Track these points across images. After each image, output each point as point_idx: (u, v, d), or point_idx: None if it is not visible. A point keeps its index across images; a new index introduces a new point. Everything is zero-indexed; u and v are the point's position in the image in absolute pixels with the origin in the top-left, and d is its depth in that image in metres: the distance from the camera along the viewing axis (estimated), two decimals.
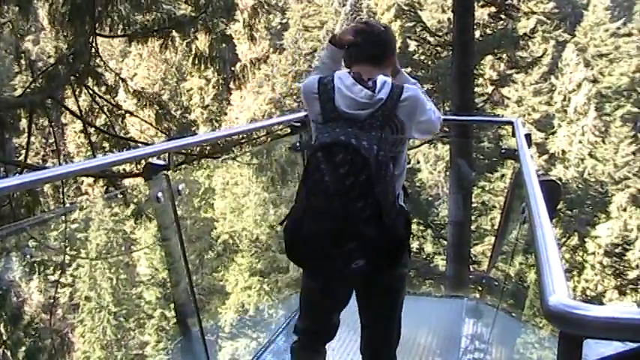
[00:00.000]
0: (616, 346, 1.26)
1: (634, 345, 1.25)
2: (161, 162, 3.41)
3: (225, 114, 42.29)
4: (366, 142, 2.46)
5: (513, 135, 4.62)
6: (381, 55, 2.85)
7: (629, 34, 43.00)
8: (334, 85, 2.67)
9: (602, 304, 28.82)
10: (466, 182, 11.17)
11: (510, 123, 5.15)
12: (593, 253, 30.62)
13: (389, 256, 2.61)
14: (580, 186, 34.46)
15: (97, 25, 9.09)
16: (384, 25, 3.01)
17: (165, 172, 3.37)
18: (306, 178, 2.57)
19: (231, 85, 12.57)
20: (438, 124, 2.89)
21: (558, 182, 4.36)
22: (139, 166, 7.22)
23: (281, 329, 5.09)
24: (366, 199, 2.44)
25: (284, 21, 50.27)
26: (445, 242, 13.33)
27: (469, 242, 12.96)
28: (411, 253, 2.93)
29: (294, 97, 41.09)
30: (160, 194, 3.35)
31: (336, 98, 2.64)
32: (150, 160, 3.47)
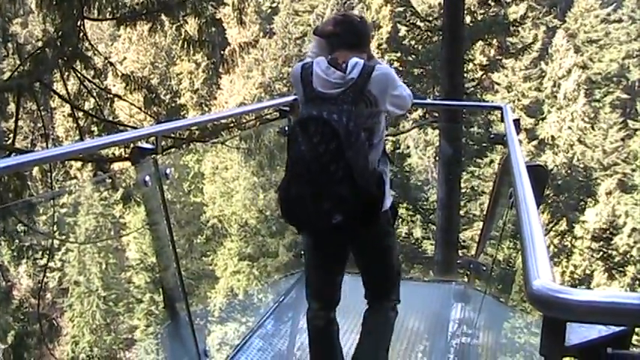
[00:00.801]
0: (599, 330, 1.27)
1: (617, 328, 1.25)
2: (149, 146, 3.40)
3: (215, 98, 42.15)
4: (336, 115, 2.89)
5: (502, 120, 4.63)
6: (358, 42, 3.24)
7: (619, 21, 43.05)
8: (312, 70, 3.10)
9: (589, 288, 29.05)
10: (446, 158, 11.18)
11: (499, 108, 5.15)
12: (581, 238, 30.77)
13: (364, 211, 2.97)
14: (569, 171, 34.59)
15: (84, 8, 9.02)
16: (360, 17, 3.45)
17: (152, 155, 3.36)
18: (289, 149, 3.01)
19: (221, 70, 12.52)
20: (409, 100, 3.28)
21: (545, 167, 4.38)
22: (127, 150, 7.19)
23: (269, 313, 5.09)
24: (337, 163, 2.85)
25: (274, 5, 50.09)
26: (434, 227, 13.36)
27: (458, 227, 12.99)
28: (397, 214, 3.53)
29: (284, 81, 40.97)
30: (147, 178, 3.34)
31: (313, 81, 3.07)
32: (137, 143, 3.47)
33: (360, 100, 2.98)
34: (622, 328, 1.25)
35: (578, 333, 1.27)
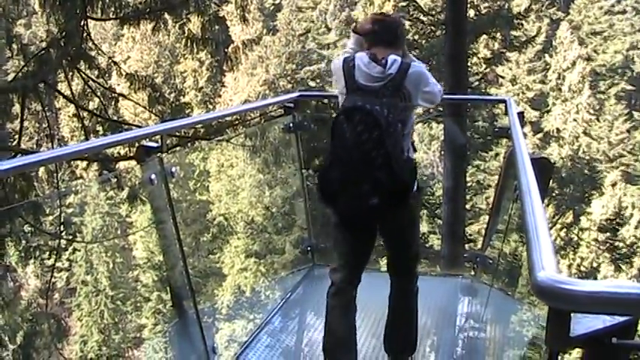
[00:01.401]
0: (604, 320, 1.28)
1: (621, 318, 1.26)
2: (154, 144, 3.42)
3: (220, 96, 42.13)
4: (378, 107, 3.20)
5: (506, 113, 4.63)
6: (394, 40, 3.51)
7: (623, 12, 42.92)
8: (355, 64, 3.39)
9: (596, 280, 29.03)
10: (458, 147, 11.16)
11: (503, 101, 5.15)
12: (588, 230, 30.73)
13: (396, 196, 3.28)
14: (575, 164, 34.53)
15: (88, 7, 9.02)
16: (396, 17, 3.83)
17: (158, 154, 3.37)
18: (332, 135, 3.32)
19: (225, 67, 12.53)
20: (439, 96, 3.62)
21: (550, 160, 4.39)
22: (132, 149, 7.20)
23: (277, 310, 5.10)
24: (378, 150, 3.17)
25: (277, 2, 50.02)
26: (440, 221, 13.35)
27: (464, 221, 12.98)
28: (420, 192, 3.85)
29: (288, 78, 40.96)
30: (153, 176, 3.35)
31: (356, 74, 3.37)
32: (142, 142, 3.48)
33: (397, 94, 3.30)
34: (627, 318, 1.26)
35: (583, 323, 1.27)
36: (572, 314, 1.27)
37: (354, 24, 3.88)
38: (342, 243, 3.73)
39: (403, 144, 3.35)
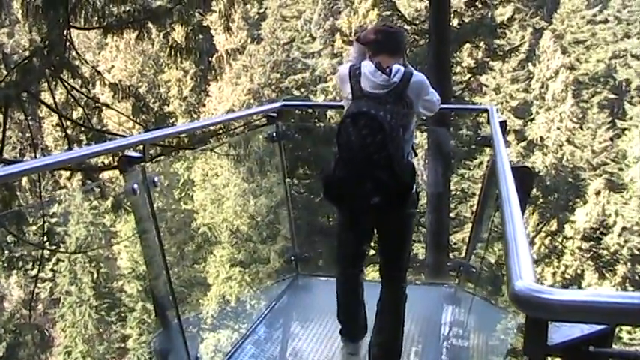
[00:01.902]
0: (582, 328, 1.29)
1: (598, 327, 1.27)
2: (136, 154, 3.41)
3: (204, 105, 42.08)
4: (382, 113, 3.45)
5: (489, 122, 4.66)
6: (397, 50, 3.77)
7: (605, 21, 43.23)
8: (361, 71, 3.61)
9: (580, 288, 29.11)
10: (444, 154, 11.18)
11: (486, 110, 5.18)
12: (572, 238, 30.87)
13: (397, 196, 3.56)
14: (558, 172, 34.70)
15: (71, 17, 8.99)
16: (397, 27, 4.23)
17: (140, 164, 3.37)
18: (338, 138, 3.56)
19: (209, 76, 12.52)
20: (438, 105, 3.94)
21: (531, 169, 4.43)
22: (116, 159, 7.19)
23: (261, 319, 5.09)
24: (380, 153, 3.41)
25: (261, 11, 50.02)
26: (424, 230, 13.38)
27: (448, 230, 13.02)
28: (419, 198, 4.10)
29: (273, 87, 40.97)
30: (135, 186, 3.35)
31: (362, 81, 3.59)
32: (126, 152, 3.47)
33: (399, 102, 3.54)
34: (604, 326, 1.27)
35: (561, 332, 1.28)
36: (549, 323, 1.28)
37: (358, 34, 4.13)
38: (345, 242, 4.08)
39: (404, 148, 3.59)
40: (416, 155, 3.91)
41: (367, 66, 3.62)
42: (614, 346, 1.31)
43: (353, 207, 3.76)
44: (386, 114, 3.46)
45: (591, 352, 1.27)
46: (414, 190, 3.71)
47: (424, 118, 4.46)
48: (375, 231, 3.99)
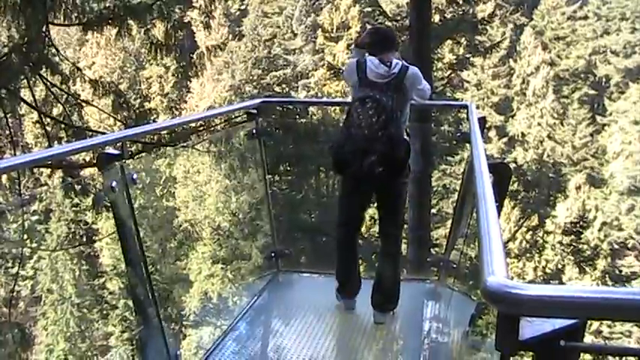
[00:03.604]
0: (553, 323, 1.30)
1: (569, 321, 1.28)
2: (114, 152, 3.40)
3: (186, 102, 41.90)
4: (385, 98, 4.25)
5: (468, 118, 4.69)
6: (391, 45, 4.56)
7: (585, 18, 43.51)
8: (366, 65, 4.40)
9: (561, 282, 29.31)
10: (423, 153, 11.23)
11: (465, 107, 5.21)
12: (553, 233, 31.03)
13: (396, 167, 4.36)
14: (539, 167, 34.87)
15: (50, 13, 8.93)
16: (387, 27, 6.20)
17: (119, 161, 3.35)
18: (347, 117, 4.39)
19: (190, 73, 12.45)
20: (428, 93, 4.77)
21: (509, 165, 4.53)
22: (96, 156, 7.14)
23: (243, 315, 5.09)
24: (383, 131, 4.21)
25: (243, 7, 49.89)
26: (406, 226, 13.42)
27: (429, 226, 13.05)
28: (410, 170, 4.62)
29: (254, 83, 40.86)
30: (114, 184, 3.33)
31: (367, 71, 4.37)
32: (103, 149, 3.46)
33: (397, 90, 4.32)
34: (574, 320, 1.28)
35: (533, 327, 1.30)
36: (521, 318, 1.30)
37: (356, 40, 5.06)
38: (347, 206, 4.85)
39: (401, 128, 4.37)
40: (409, 136, 4.56)
41: (372, 60, 4.41)
42: (590, 339, 1.32)
43: (359, 176, 4.39)
44: (388, 99, 4.23)
45: (562, 346, 1.28)
46: (408, 165, 4.48)
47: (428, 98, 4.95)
48: (375, 196, 4.76)
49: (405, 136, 4.48)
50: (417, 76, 4.46)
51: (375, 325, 4.79)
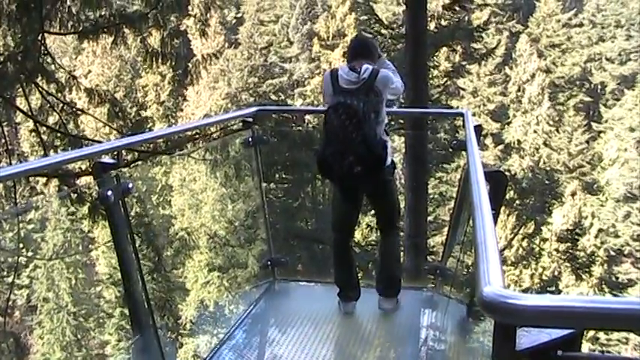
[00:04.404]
0: (550, 333, 1.30)
1: (566, 331, 1.28)
2: (110, 160, 3.40)
3: (182, 110, 41.90)
4: (356, 102, 4.40)
5: (464, 126, 4.69)
6: (367, 53, 4.81)
7: (581, 25, 43.66)
8: (338, 73, 4.59)
9: (558, 290, 29.29)
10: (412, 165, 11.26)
11: (461, 115, 5.22)
12: (549, 240, 31.02)
13: (373, 165, 4.50)
14: (535, 174, 34.90)
15: (46, 22, 8.92)
16: (367, 37, 6.09)
17: (114, 170, 3.35)
18: (325, 123, 4.58)
19: (186, 81, 12.44)
20: (401, 89, 4.90)
21: (505, 173, 4.49)
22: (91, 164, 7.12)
23: (239, 324, 5.07)
24: (357, 132, 4.36)
25: (239, 15, 49.96)
26: (402, 234, 13.40)
27: (426, 233, 13.02)
28: (395, 167, 4.88)
29: (250, 91, 40.84)
30: (109, 193, 3.32)
31: (339, 80, 4.55)
32: (99, 158, 3.45)
33: (370, 92, 4.48)
34: (571, 330, 1.28)
35: (529, 337, 1.29)
36: (518, 328, 1.29)
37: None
38: (338, 210, 5.14)
39: (377, 129, 4.52)
40: (387, 134, 4.79)
41: (342, 68, 4.65)
42: (589, 347, 1.32)
43: (340, 176, 4.58)
44: (359, 103, 4.40)
45: (559, 356, 1.27)
46: (390, 161, 4.69)
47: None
48: (366, 198, 5.10)
49: (384, 136, 4.67)
50: (387, 77, 4.64)
51: (371, 333, 4.79)
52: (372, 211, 5.48)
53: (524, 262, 30.79)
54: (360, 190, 4.94)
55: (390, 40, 14.59)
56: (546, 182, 33.98)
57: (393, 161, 4.80)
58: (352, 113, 4.40)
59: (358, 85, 4.51)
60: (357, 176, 4.49)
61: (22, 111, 9.88)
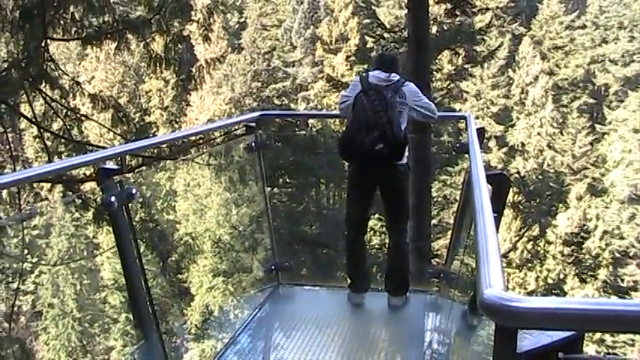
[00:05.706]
0: (551, 335, 1.30)
1: (568, 333, 1.28)
2: (114, 166, 3.41)
3: (185, 115, 41.89)
4: (385, 92, 4.82)
5: (467, 129, 4.70)
6: (392, 66, 5.09)
7: (583, 27, 43.61)
8: (368, 76, 5.02)
9: (563, 292, 29.22)
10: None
11: (464, 118, 5.22)
12: (554, 243, 30.97)
13: (395, 146, 4.80)
14: (540, 177, 34.84)
15: (49, 28, 8.95)
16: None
17: (117, 175, 3.36)
18: (354, 106, 4.89)
19: (189, 86, 12.45)
20: (433, 107, 5.26)
21: (507, 175, 4.48)
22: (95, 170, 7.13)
23: (244, 328, 5.08)
24: (385, 113, 4.75)
25: (242, 20, 49.98)
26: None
27: (430, 237, 13.01)
28: (409, 168, 5.19)
29: (254, 96, 40.85)
30: (112, 198, 3.33)
31: (369, 79, 4.96)
32: (103, 164, 3.46)
33: (396, 93, 4.88)
34: (572, 333, 1.28)
35: (530, 339, 1.30)
36: (519, 330, 1.29)
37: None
38: (353, 206, 5.39)
39: (400, 123, 4.84)
40: (406, 138, 4.96)
41: (373, 71, 5.05)
42: (595, 350, 1.32)
43: (363, 152, 4.84)
44: (388, 92, 4.82)
45: (561, 358, 1.28)
46: (406, 162, 5.05)
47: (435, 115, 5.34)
48: (379, 190, 5.18)
49: (406, 131, 4.97)
50: (414, 88, 5.04)
51: (376, 337, 4.79)
52: (377, 213, 5.55)
53: (529, 265, 30.76)
54: (375, 183, 5.17)
55: (392, 44, 14.59)
56: (551, 185, 33.95)
57: (408, 163, 5.13)
58: (382, 98, 4.81)
59: (386, 84, 4.91)
60: (378, 156, 4.81)
61: (26, 117, 9.91)
